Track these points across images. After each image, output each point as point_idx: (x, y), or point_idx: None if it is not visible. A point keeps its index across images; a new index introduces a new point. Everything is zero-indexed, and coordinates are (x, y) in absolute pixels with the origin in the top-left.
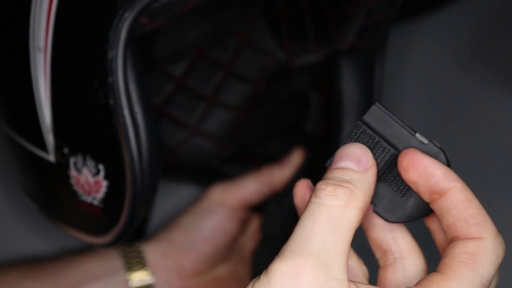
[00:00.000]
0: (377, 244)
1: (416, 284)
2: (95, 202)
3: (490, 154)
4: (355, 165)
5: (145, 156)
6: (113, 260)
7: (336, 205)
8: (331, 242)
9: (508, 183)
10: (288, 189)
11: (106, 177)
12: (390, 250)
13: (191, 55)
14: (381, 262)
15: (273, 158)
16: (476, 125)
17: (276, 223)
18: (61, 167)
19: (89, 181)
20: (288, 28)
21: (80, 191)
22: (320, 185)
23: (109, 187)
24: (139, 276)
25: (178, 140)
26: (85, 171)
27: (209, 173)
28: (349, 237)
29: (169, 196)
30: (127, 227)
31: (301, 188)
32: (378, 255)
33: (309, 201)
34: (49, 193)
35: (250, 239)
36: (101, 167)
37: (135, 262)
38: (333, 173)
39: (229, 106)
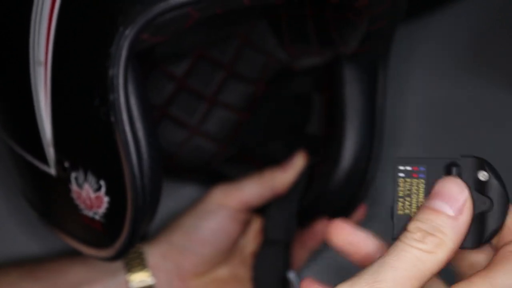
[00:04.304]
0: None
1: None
2: (97, 217)
3: (491, 155)
4: (449, 207)
5: (147, 172)
6: None
7: (422, 249)
8: (406, 277)
9: (510, 184)
10: (290, 192)
11: (108, 193)
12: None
13: (192, 55)
14: None
15: (274, 159)
16: (478, 126)
17: (278, 227)
18: (62, 181)
19: (91, 196)
20: (289, 29)
21: (81, 206)
22: (412, 228)
23: (110, 203)
24: (139, 277)
25: (179, 141)
26: (86, 186)
27: (209, 173)
28: (424, 279)
29: (170, 197)
30: (129, 242)
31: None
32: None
33: (398, 239)
34: (50, 204)
35: (250, 241)
36: (102, 183)
37: (135, 263)
38: (426, 214)
39: (230, 107)
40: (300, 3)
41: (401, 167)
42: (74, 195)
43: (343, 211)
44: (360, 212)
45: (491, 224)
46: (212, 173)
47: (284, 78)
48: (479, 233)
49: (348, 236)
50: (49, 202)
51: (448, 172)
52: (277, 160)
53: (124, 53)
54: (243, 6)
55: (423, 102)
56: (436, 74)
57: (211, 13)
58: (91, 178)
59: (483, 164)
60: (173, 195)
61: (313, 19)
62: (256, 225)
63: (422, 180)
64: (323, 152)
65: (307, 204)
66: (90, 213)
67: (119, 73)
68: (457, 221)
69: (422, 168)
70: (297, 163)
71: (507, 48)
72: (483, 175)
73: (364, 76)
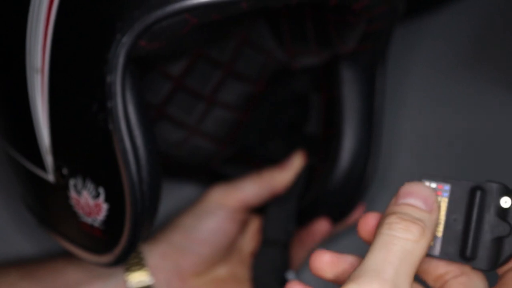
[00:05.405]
0: (428, 273)
1: None
2: (96, 224)
3: (492, 155)
4: (423, 204)
5: (146, 179)
6: None
7: (410, 239)
8: (403, 271)
9: (510, 183)
10: (289, 192)
11: (107, 200)
12: (443, 273)
13: (190, 55)
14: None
15: (274, 159)
16: (477, 126)
17: (277, 227)
18: (61, 188)
19: (89, 203)
20: (288, 29)
21: (80, 212)
22: (393, 218)
23: (109, 210)
24: (138, 277)
25: (177, 141)
26: (85, 193)
27: (208, 173)
28: (415, 270)
29: (169, 197)
30: (128, 248)
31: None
32: (430, 283)
33: (380, 232)
34: (49, 211)
35: (249, 240)
36: (101, 190)
37: (134, 262)
38: (403, 209)
39: (228, 106)
40: (299, 4)
41: (427, 183)
42: (73, 202)
43: (341, 210)
44: (358, 211)
45: (507, 249)
46: (211, 173)
47: (283, 78)
48: (495, 256)
49: (333, 267)
50: (48, 208)
51: (472, 195)
52: (276, 160)
53: (121, 61)
54: (241, 11)
55: (422, 102)
56: (436, 74)
57: (208, 19)
58: (90, 185)
59: (506, 191)
60: (172, 195)
61: (312, 19)
62: (255, 224)
63: (445, 199)
64: (321, 151)
65: (305, 204)
66: (89, 220)
67: (117, 80)
68: (431, 216)
69: (446, 187)
70: (296, 163)
71: (507, 48)
72: (505, 201)
73: (362, 76)
